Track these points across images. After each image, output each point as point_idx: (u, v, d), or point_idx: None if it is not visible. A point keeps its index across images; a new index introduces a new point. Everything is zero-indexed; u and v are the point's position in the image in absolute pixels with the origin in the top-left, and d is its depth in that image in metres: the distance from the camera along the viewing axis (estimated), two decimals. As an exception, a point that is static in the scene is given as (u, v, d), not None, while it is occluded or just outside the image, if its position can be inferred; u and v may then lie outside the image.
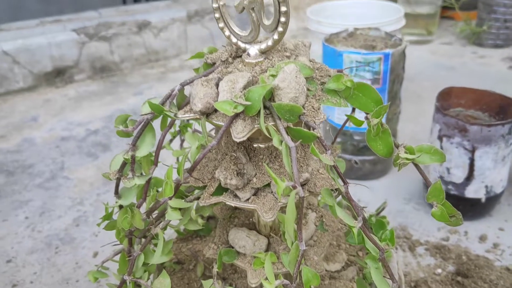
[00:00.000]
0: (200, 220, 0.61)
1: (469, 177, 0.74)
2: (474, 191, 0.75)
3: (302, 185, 0.44)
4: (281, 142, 0.37)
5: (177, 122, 0.61)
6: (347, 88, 0.41)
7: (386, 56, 0.79)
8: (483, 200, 0.76)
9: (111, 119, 1.22)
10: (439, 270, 0.69)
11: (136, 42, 1.54)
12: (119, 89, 1.43)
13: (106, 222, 0.49)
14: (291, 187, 0.36)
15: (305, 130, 0.38)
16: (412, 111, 1.18)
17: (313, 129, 0.38)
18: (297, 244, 0.37)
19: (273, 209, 0.42)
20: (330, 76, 0.42)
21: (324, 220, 0.52)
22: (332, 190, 0.43)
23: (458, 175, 0.75)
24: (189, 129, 0.59)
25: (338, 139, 0.90)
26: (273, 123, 0.38)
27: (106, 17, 1.53)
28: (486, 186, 0.75)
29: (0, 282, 0.71)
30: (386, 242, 0.44)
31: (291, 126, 0.38)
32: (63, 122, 1.23)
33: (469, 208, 0.78)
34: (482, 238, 0.76)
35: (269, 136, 0.37)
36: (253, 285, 0.45)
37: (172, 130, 0.61)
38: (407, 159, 0.42)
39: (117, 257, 0.51)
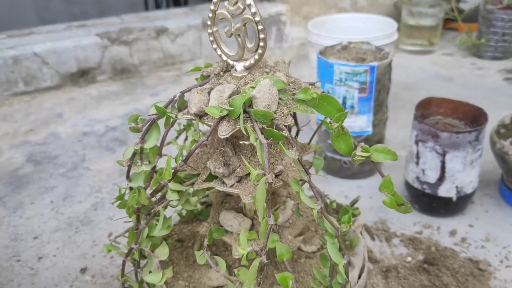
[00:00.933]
0: (198, 206, 0.72)
1: (441, 178, 0.83)
2: (446, 191, 0.84)
3: (277, 175, 0.54)
4: (256, 139, 0.47)
5: (182, 121, 0.71)
6: (313, 99, 0.51)
7: (372, 68, 0.89)
8: (454, 199, 0.85)
9: (128, 117, 1.34)
10: (409, 259, 0.79)
11: (154, 47, 1.66)
12: (137, 90, 1.55)
13: (119, 202, 0.60)
14: (262, 174, 0.46)
15: (275, 131, 0.48)
16: (406, 119, 1.27)
17: (282, 130, 0.48)
18: (266, 220, 0.48)
19: (252, 193, 0.52)
20: (301, 88, 0.52)
21: (299, 207, 0.62)
22: (300, 180, 0.53)
23: (432, 176, 0.84)
24: (192, 127, 0.70)
25: (330, 141, 0.99)
26: (251, 125, 0.48)
27: (128, 23, 1.66)
28: (457, 187, 0.84)
29: (27, 255, 0.83)
30: (344, 223, 0.54)
31: (265, 127, 0.48)
32: (85, 119, 1.35)
33: (443, 206, 0.87)
34: (452, 233, 0.84)
35: (247, 134, 0.48)
36: (236, 257, 0.56)
37: (177, 128, 0.72)
38: (361, 156, 0.52)
39: (128, 235, 0.62)
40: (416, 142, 0.85)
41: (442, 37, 1.88)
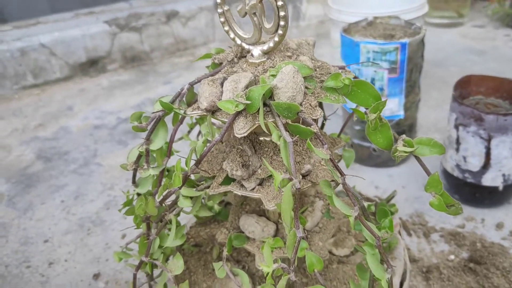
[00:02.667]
0: (216, 207, 0.65)
1: (486, 165, 0.74)
2: (491, 179, 0.75)
3: (304, 176, 0.47)
4: (280, 137, 0.40)
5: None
6: (345, 86, 0.43)
7: (403, 45, 0.80)
8: (501, 188, 0.76)
9: (141, 108, 1.27)
10: (452, 257, 0.71)
11: (165, 32, 1.58)
12: (149, 78, 1.48)
13: (127, 208, 0.53)
14: (287, 179, 0.39)
15: (302, 126, 0.40)
16: (437, 98, 1.18)
17: (310, 125, 0.40)
18: (294, 232, 0.40)
19: (276, 198, 0.45)
20: (330, 73, 0.44)
21: (330, 208, 0.55)
22: (332, 181, 0.46)
23: (475, 164, 0.75)
24: (206, 121, 0.62)
25: (357, 127, 0.91)
26: (272, 120, 0.41)
27: (136, 8, 1.58)
28: (504, 175, 0.75)
29: (38, 260, 0.78)
30: (386, 230, 0.46)
31: (290, 122, 0.41)
32: (96, 111, 1.29)
33: (487, 196, 0.78)
34: (499, 226, 0.76)
35: (268, 132, 0.40)
36: (260, 268, 0.49)
37: (190, 121, 0.65)
38: (405, 152, 0.44)
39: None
40: (456, 126, 0.76)
41: (472, 8, 1.75)
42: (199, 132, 0.65)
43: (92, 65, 1.52)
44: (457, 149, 0.77)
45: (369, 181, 0.90)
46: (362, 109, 0.47)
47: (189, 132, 0.65)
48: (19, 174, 1.03)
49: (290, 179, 0.39)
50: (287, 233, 0.41)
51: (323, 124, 0.58)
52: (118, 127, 1.19)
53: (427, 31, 0.88)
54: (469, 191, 0.79)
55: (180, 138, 0.66)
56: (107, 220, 0.86)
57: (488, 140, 0.72)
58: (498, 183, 0.76)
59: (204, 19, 1.63)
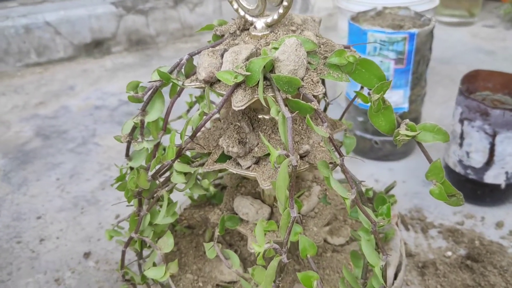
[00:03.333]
0: (211, 189, 0.64)
1: (489, 162, 0.73)
2: (494, 177, 0.74)
3: (302, 156, 0.45)
4: (279, 112, 0.38)
5: (194, 91, 0.63)
6: (349, 63, 0.41)
7: (412, 36, 0.78)
8: (503, 186, 0.75)
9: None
10: (449, 253, 0.69)
11: (172, 16, 1.56)
12: (152, 62, 1.46)
13: (119, 183, 0.52)
14: (284, 155, 0.37)
15: (302, 102, 0.39)
16: (443, 95, 1.16)
17: (311, 101, 0.39)
18: (288, 211, 0.39)
19: (272, 178, 0.44)
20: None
21: (327, 193, 0.54)
22: (330, 163, 0.44)
23: (478, 160, 0.74)
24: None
25: (360, 118, 0.89)
26: (272, 94, 0.39)
27: (144, -9, 1.56)
28: (507, 172, 0.73)
29: (29, 236, 0.77)
30: (383, 216, 0.45)
31: (290, 97, 0.39)
32: (98, 92, 1.28)
33: (488, 194, 0.77)
34: (499, 225, 0.74)
35: (267, 106, 0.39)
36: (252, 250, 0.48)
37: (189, 100, 0.63)
38: (407, 135, 0.42)
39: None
40: (461, 121, 0.74)
41: (483, 8, 1.73)
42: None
43: (97, 46, 1.50)
44: (461, 144, 0.75)
45: (369, 174, 0.88)
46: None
47: (188, 111, 0.64)
48: (16, 150, 1.02)
49: (287, 156, 0.37)
50: (281, 213, 0.39)
51: (325, 108, 0.57)
52: (119, 108, 1.18)
53: (437, 28, 0.87)
54: (470, 188, 0.77)
55: (179, 117, 0.64)
56: (101, 200, 0.85)
57: (493, 135, 0.70)
58: (501, 181, 0.74)
59: (212, 5, 1.61)
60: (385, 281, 0.41)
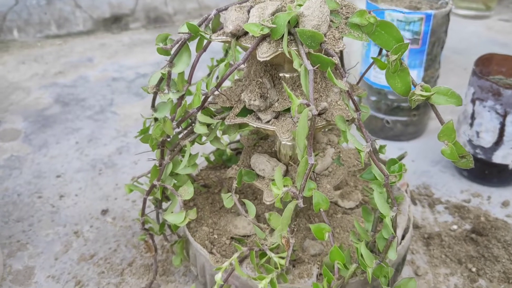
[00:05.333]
0: (228, 151, 0.66)
1: (498, 142, 0.74)
2: (502, 157, 0.76)
3: (320, 114, 0.47)
4: (301, 65, 0.41)
5: (216, 56, 0.65)
6: (370, 24, 0.43)
7: (428, 16, 0.79)
8: (511, 166, 0.76)
9: (159, 65, 1.28)
10: (455, 227, 0.71)
11: (190, -4, 1.58)
12: (170, 39, 1.49)
13: (142, 135, 0.54)
14: (305, 105, 0.40)
15: (324, 56, 0.41)
16: (456, 83, 1.17)
17: (332, 56, 0.41)
18: (306, 158, 0.41)
19: (290, 131, 0.46)
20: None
21: (341, 155, 0.56)
22: (347, 120, 0.46)
23: (487, 140, 0.75)
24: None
25: (373, 98, 0.91)
26: (295, 48, 0.42)
27: (164, -31, 1.58)
28: (515, 153, 0.75)
29: (49, 192, 0.80)
30: (394, 172, 0.47)
31: (312, 52, 0.41)
32: (115, 65, 1.30)
33: (496, 174, 0.78)
34: (505, 204, 0.76)
35: (290, 58, 0.41)
36: (268, 203, 0.50)
37: (210, 64, 0.66)
38: (421, 96, 0.44)
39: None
40: (473, 101, 0.76)
41: (499, 2, 1.73)
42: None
43: (115, 22, 1.53)
44: (471, 124, 0.77)
45: (379, 145, 0.90)
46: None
47: (208, 74, 0.66)
48: (36, 114, 1.05)
49: (307, 105, 0.39)
50: (299, 159, 0.42)
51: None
52: (136, 81, 1.21)
53: (453, 20, 0.88)
54: (479, 167, 0.79)
55: (199, 81, 0.67)
56: (118, 163, 0.88)
57: (504, 116, 0.72)
58: (509, 161, 0.76)
59: (230, -13, 1.62)
60: (395, 231, 0.43)
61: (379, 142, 0.94)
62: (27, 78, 1.22)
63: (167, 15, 1.58)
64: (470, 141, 0.78)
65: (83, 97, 1.12)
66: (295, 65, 0.41)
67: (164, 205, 0.63)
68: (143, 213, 0.55)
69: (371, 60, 0.88)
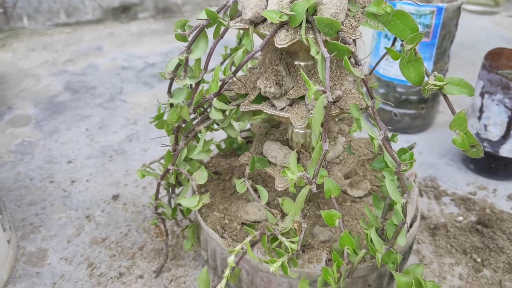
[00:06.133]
0: (239, 139, 0.67)
1: (506, 135, 0.75)
2: (509, 150, 0.76)
3: (334, 102, 0.48)
4: (318, 52, 0.41)
5: (230, 45, 0.66)
6: (386, 14, 0.44)
7: (440, 10, 0.80)
8: (517, 160, 0.77)
9: (168, 55, 1.29)
10: (461, 218, 0.72)
11: (198, -13, 1.59)
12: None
13: (157, 121, 0.55)
14: (321, 91, 0.41)
15: (341, 44, 0.42)
16: (464, 77, 1.17)
17: (349, 44, 0.42)
18: (320, 144, 0.42)
19: (304, 118, 0.47)
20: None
21: (352, 144, 0.57)
22: (360, 109, 0.47)
23: (495, 133, 0.76)
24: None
25: (382, 90, 0.92)
26: (313, 36, 0.42)
27: (173, -40, 1.59)
28: (522, 147, 0.76)
29: (61, 177, 0.81)
30: (405, 161, 0.48)
31: (329, 40, 0.42)
32: (124, 54, 1.31)
33: (502, 167, 0.79)
34: (510, 197, 0.77)
35: (308, 46, 0.42)
36: (279, 189, 0.51)
37: (223, 52, 0.66)
38: (435, 85, 0.45)
39: (163, 161, 0.58)
40: (482, 94, 0.76)
41: (508, -2, 1.73)
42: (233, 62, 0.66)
43: (124, 11, 1.53)
44: (479, 118, 0.77)
45: (392, 133, 0.91)
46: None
47: (221, 63, 0.67)
48: (46, 101, 1.06)
49: (324, 92, 0.40)
50: (314, 145, 0.43)
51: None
52: (145, 70, 1.21)
53: (461, 15, 0.88)
54: (485, 161, 0.80)
55: (213, 69, 0.67)
56: (128, 150, 0.89)
57: (512, 109, 0.73)
58: (516, 155, 0.77)
59: (239, -22, 1.63)
60: (405, 218, 0.44)
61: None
62: (37, 65, 1.23)
63: (175, 5, 1.59)
64: (477, 134, 0.79)
65: (93, 85, 1.13)
66: (313, 52, 0.41)
67: (176, 191, 0.64)
68: (156, 197, 0.56)
69: (381, 53, 0.89)
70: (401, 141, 0.93)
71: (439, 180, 0.82)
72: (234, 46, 0.65)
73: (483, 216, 0.72)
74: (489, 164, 0.80)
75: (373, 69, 0.59)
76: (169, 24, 1.53)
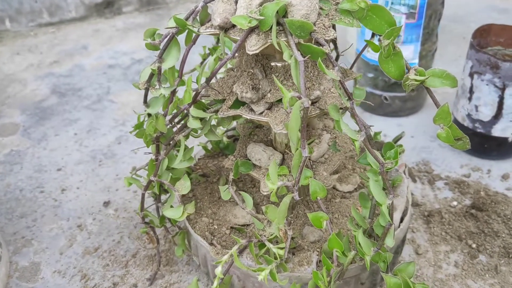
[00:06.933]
0: (224, 139, 0.66)
1: (497, 115, 0.74)
2: (501, 130, 0.75)
3: (313, 103, 0.47)
4: (291, 56, 0.40)
5: (208, 44, 0.64)
6: (361, 9, 0.42)
7: (424, -11, 0.78)
8: (510, 139, 0.76)
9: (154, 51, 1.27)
10: (455, 203, 0.72)
11: (181, -25, 1.55)
12: (163, 22, 1.46)
13: (137, 131, 0.54)
14: (296, 97, 0.39)
15: (314, 46, 0.40)
16: (454, 53, 1.15)
17: (322, 46, 0.40)
18: (300, 151, 0.41)
19: (284, 122, 0.46)
20: (346, -3, 0.43)
21: (337, 141, 0.56)
22: (341, 108, 0.46)
23: (486, 113, 0.75)
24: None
25: (370, 75, 0.90)
26: (285, 39, 0.41)
27: (154, -51, 1.55)
28: (514, 126, 0.74)
29: (51, 186, 0.80)
30: (390, 160, 0.47)
31: (302, 42, 0.41)
32: (111, 51, 1.29)
33: (495, 147, 0.78)
34: (505, 177, 0.76)
35: (280, 50, 0.40)
36: (265, 193, 0.50)
37: (202, 52, 0.65)
38: (416, 80, 0.44)
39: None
40: (471, 75, 0.75)
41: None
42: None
43: (108, 6, 1.50)
44: (470, 98, 0.76)
45: (377, 130, 0.89)
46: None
47: (201, 63, 0.65)
48: (33, 107, 1.04)
49: (299, 98, 0.39)
50: (293, 153, 0.42)
51: (336, 59, 0.58)
52: (132, 67, 1.19)
53: None
54: (478, 141, 0.79)
55: (193, 70, 0.66)
56: (118, 153, 0.88)
57: (502, 89, 0.71)
58: (508, 134, 0.75)
59: (222, -36, 1.59)
60: (391, 219, 0.43)
61: (377, 119, 0.93)
62: (23, 69, 1.21)
63: (159, -4, 1.56)
64: (469, 115, 0.77)
65: (79, 87, 1.12)
66: (285, 56, 0.40)
67: (164, 197, 0.63)
68: (142, 208, 0.55)
69: (367, 37, 0.87)
70: (393, 125, 0.91)
71: (432, 163, 0.81)
72: (213, 43, 0.63)
73: (477, 199, 0.71)
74: (482, 145, 0.79)
75: (357, 57, 0.57)
76: (154, 17, 1.50)
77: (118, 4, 1.52)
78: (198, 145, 0.67)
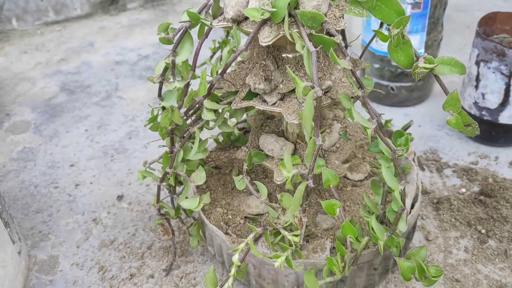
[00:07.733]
0: (236, 132, 0.67)
1: (504, 102, 0.75)
2: (508, 117, 0.76)
3: (325, 92, 0.48)
4: (303, 47, 0.41)
5: (218, 38, 0.65)
6: (370, 0, 0.43)
7: (429, -21, 0.78)
8: (517, 126, 0.77)
9: (160, 46, 1.28)
10: (463, 190, 0.73)
11: (185, -29, 1.56)
12: (168, 17, 1.47)
13: (151, 124, 0.55)
14: (309, 87, 0.40)
15: (326, 36, 0.41)
16: (459, 42, 1.16)
17: (334, 36, 0.41)
18: (313, 140, 0.42)
19: (297, 112, 0.47)
20: (355, -12, 0.44)
21: (348, 130, 0.57)
22: (352, 97, 0.47)
23: (493, 101, 0.75)
24: (228, 45, 0.63)
25: (376, 65, 0.91)
26: (297, 30, 0.42)
27: None
28: (521, 113, 0.75)
29: (65, 182, 0.82)
30: (401, 147, 0.48)
31: (314, 33, 0.41)
32: (117, 48, 1.30)
33: (502, 134, 0.79)
34: (512, 164, 0.77)
35: (292, 41, 0.41)
36: (278, 182, 0.51)
37: (212, 46, 0.66)
38: (425, 68, 0.44)
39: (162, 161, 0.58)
40: (477, 63, 0.75)
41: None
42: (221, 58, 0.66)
43: (112, 3, 1.51)
44: (476, 86, 0.77)
45: (388, 118, 0.90)
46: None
47: (211, 57, 0.66)
48: (43, 104, 1.06)
49: (312, 87, 0.40)
50: (307, 141, 0.43)
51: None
52: (139, 63, 1.21)
53: None
54: (485, 129, 0.79)
55: (203, 63, 0.67)
56: (129, 148, 0.89)
57: (509, 76, 0.72)
58: (516, 121, 0.76)
59: (225, -42, 1.59)
60: (404, 204, 0.45)
61: (384, 109, 0.94)
62: (31, 68, 1.22)
63: (163, -8, 1.56)
64: (476, 103, 0.78)
65: (88, 84, 1.13)
66: (298, 47, 0.41)
67: (178, 189, 0.64)
68: (158, 200, 0.57)
69: (373, 27, 0.87)
70: (400, 115, 0.92)
71: (440, 152, 0.81)
72: (223, 38, 0.64)
73: (485, 186, 0.72)
74: (489, 132, 0.79)
75: (365, 49, 0.58)
76: (159, 13, 1.51)
77: (122, 0, 1.53)
78: (210, 137, 0.68)
